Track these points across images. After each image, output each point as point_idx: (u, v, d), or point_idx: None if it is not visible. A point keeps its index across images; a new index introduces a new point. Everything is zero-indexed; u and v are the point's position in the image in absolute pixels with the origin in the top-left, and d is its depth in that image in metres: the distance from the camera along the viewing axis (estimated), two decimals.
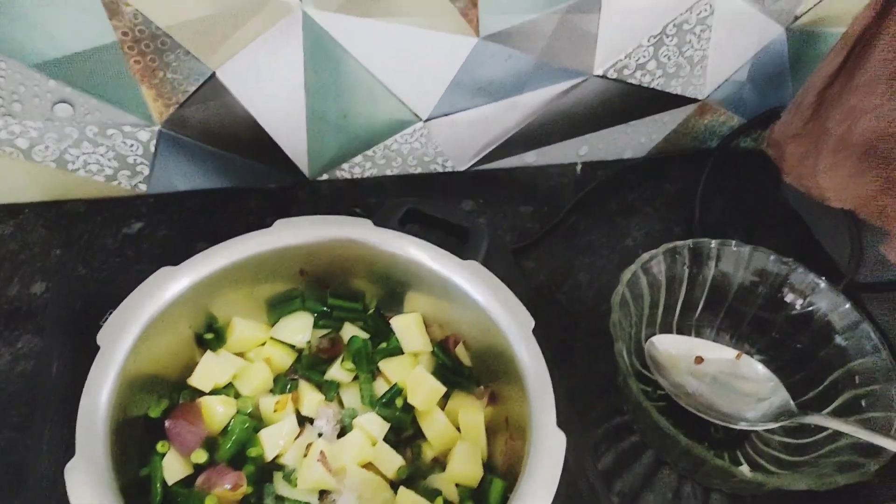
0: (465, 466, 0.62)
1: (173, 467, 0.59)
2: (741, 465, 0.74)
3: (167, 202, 0.93)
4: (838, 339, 0.76)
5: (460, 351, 0.68)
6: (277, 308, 0.69)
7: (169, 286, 0.60)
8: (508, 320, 0.61)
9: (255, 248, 0.63)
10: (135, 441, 0.59)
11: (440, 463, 0.65)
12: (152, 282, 0.59)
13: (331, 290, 0.70)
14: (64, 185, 0.89)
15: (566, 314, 0.86)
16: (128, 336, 0.57)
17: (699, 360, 0.78)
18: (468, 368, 0.68)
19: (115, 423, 0.55)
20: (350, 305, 0.70)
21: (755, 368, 0.78)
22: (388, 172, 0.97)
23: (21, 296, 0.81)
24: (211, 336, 0.66)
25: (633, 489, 0.73)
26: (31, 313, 0.80)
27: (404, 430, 0.65)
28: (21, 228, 0.88)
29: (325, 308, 0.70)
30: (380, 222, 0.66)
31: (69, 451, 0.51)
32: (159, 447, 0.60)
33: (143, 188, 0.92)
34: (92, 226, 0.89)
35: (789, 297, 0.79)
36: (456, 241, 0.69)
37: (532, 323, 0.60)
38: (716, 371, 0.78)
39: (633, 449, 0.77)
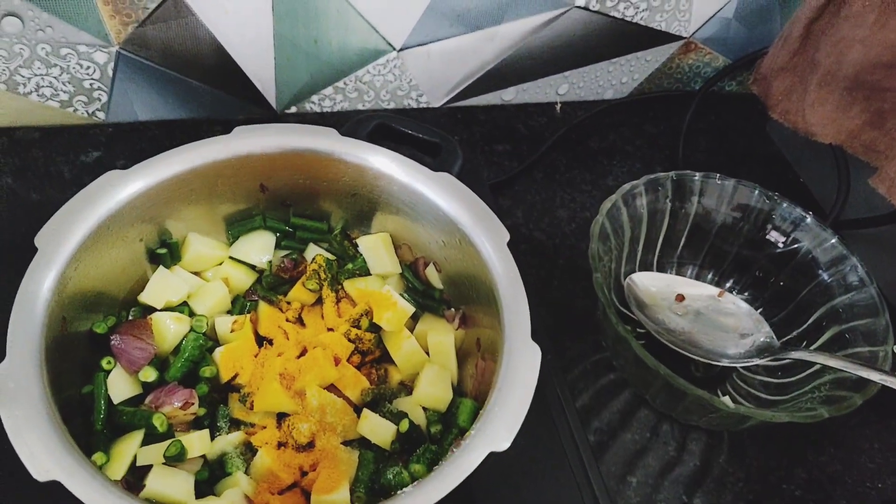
0: (433, 389, 0.59)
1: (119, 385, 0.55)
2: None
3: (127, 132, 0.88)
4: (823, 276, 0.73)
5: (431, 273, 0.65)
6: (237, 226, 0.65)
7: (117, 191, 0.55)
8: (482, 233, 0.57)
9: (212, 155, 0.59)
10: (78, 358, 0.55)
11: (407, 387, 0.61)
12: (98, 185, 0.55)
13: (294, 209, 0.66)
14: (16, 111, 0.84)
15: (544, 251, 0.82)
16: (69, 240, 0.52)
17: (680, 297, 0.76)
18: (439, 291, 0.65)
19: (54, 334, 0.51)
20: (314, 225, 0.66)
21: (737, 304, 0.76)
22: (360, 107, 0.93)
23: None
24: (164, 251, 0.61)
25: (611, 427, 0.71)
26: None
27: (370, 353, 0.61)
28: None
29: (287, 228, 0.66)
30: (347, 136, 0.62)
31: None
32: (104, 363, 0.56)
33: (101, 116, 0.87)
34: (47, 153, 0.84)
35: (773, 234, 0.77)
36: (429, 162, 0.65)
37: (507, 236, 0.57)
38: (698, 307, 0.75)
39: (612, 387, 0.74)
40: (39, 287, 0.50)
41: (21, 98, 0.83)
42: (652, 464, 0.68)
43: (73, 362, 0.54)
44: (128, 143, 0.87)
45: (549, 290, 0.79)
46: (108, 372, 0.56)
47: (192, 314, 0.61)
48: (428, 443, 0.56)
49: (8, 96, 0.82)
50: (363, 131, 0.63)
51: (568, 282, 0.80)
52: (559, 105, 0.98)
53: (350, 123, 0.64)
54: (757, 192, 0.76)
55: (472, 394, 0.59)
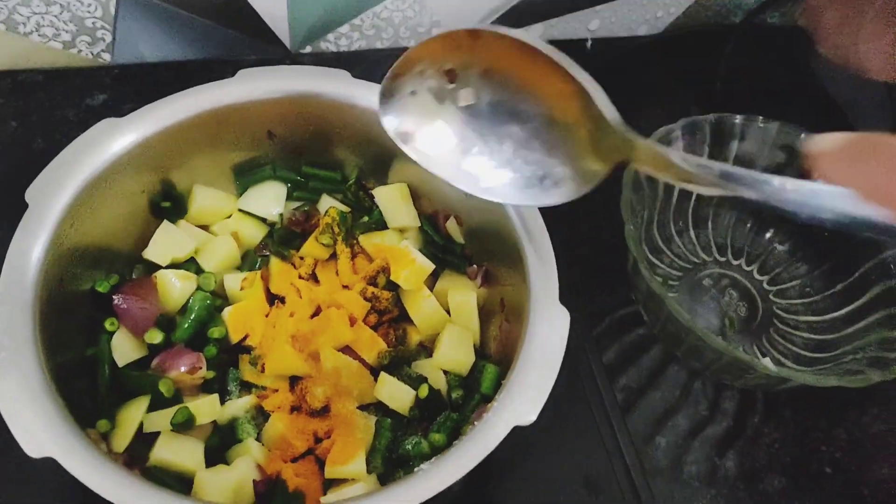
0: (454, 352, 0.55)
1: (124, 348, 0.53)
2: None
3: (134, 74, 0.83)
4: None
5: (451, 226, 0.61)
6: (245, 176, 0.61)
7: (113, 140, 0.52)
8: None
9: (214, 100, 0.55)
10: (81, 318, 0.53)
11: (427, 349, 0.58)
12: (93, 134, 0.51)
13: (305, 157, 0.62)
14: (17, 52, 0.80)
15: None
16: (62, 193, 0.49)
17: None
18: (460, 246, 0.61)
19: (50, 295, 0.48)
20: (327, 175, 0.62)
21: None
22: (378, 45, 0.87)
23: None
24: (168, 204, 0.58)
25: (640, 385, 0.67)
26: None
27: (387, 312, 0.58)
28: None
29: (299, 178, 0.62)
30: (361, 78, 0.58)
31: None
32: (107, 325, 0.53)
33: (106, 58, 0.83)
34: (51, 96, 0.80)
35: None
36: None
37: None
38: None
39: (640, 342, 0.70)
40: (31, 247, 0.46)
41: (22, 38, 0.78)
42: (682, 423, 0.65)
43: (75, 322, 0.52)
44: (135, 85, 0.82)
45: (576, 241, 0.75)
46: (112, 333, 0.53)
47: (199, 271, 0.58)
48: (449, 410, 0.53)
49: (8, 37, 0.78)
50: (379, 73, 0.58)
51: (596, 232, 0.75)
52: (590, 41, 0.92)
53: (366, 66, 0.59)
54: (803, 135, 0.71)
55: (495, 357, 0.56)
